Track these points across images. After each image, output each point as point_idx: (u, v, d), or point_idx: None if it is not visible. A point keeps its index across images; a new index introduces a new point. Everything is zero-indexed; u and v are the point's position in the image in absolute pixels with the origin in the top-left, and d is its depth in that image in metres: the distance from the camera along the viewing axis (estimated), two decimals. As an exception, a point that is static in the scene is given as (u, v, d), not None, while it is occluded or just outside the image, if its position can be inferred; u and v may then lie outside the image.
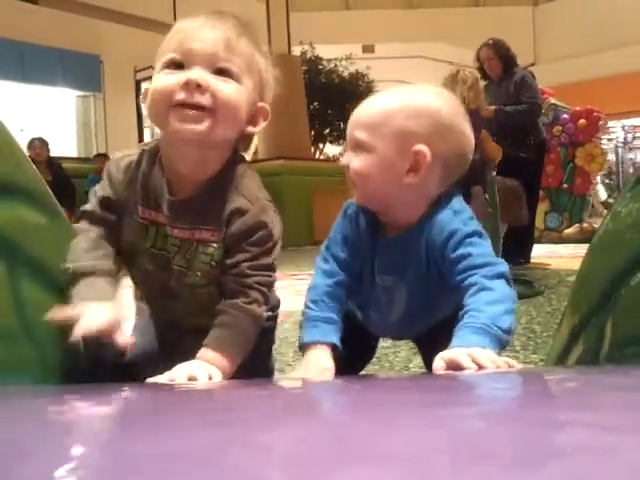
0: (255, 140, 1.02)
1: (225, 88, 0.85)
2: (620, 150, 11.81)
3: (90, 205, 0.94)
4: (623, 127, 11.93)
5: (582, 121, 6.61)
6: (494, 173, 3.61)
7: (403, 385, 0.72)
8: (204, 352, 0.85)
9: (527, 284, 3.27)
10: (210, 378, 0.81)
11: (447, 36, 11.83)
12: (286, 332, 2.13)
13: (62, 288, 0.86)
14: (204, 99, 0.84)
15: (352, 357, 1.01)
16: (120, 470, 0.34)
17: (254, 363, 0.92)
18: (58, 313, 0.80)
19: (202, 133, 0.84)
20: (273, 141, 7.76)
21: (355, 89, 10.70)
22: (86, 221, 0.93)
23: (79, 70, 9.75)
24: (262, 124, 0.94)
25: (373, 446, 0.38)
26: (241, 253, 0.90)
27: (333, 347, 0.92)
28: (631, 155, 12.06)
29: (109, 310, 0.82)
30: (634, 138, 12.11)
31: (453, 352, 0.74)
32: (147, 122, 9.23)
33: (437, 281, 0.92)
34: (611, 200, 9.29)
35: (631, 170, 11.08)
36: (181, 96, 0.84)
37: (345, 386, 0.77)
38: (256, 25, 0.98)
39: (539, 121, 4.36)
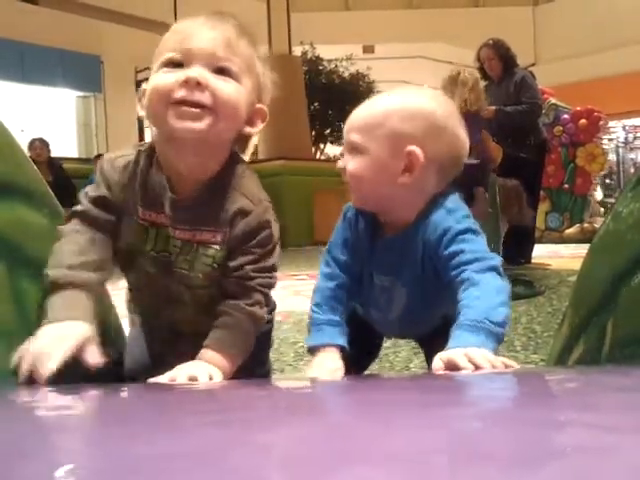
0: (255, 140, 1.01)
1: (225, 87, 0.85)
2: (621, 150, 11.81)
3: (82, 205, 0.89)
4: (624, 127, 11.94)
5: (583, 121, 6.61)
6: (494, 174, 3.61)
7: (403, 385, 0.72)
8: (205, 352, 0.85)
9: (528, 284, 3.27)
10: (210, 378, 0.81)
11: (447, 36, 11.84)
12: (286, 332, 2.13)
13: None
14: (204, 97, 0.83)
15: (358, 356, 1.04)
16: (120, 470, 0.34)
17: (252, 365, 0.92)
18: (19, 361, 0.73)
19: (202, 132, 0.83)
20: (273, 141, 7.76)
21: (355, 89, 10.71)
22: (77, 221, 0.88)
23: (79, 70, 9.76)
24: (260, 125, 0.93)
25: (373, 446, 0.38)
26: (244, 255, 0.89)
27: (341, 348, 0.94)
28: (632, 155, 12.07)
29: (81, 329, 0.77)
30: (635, 138, 12.12)
31: (450, 353, 0.74)
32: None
33: (433, 280, 0.93)
34: (608, 200, 9.30)
35: (632, 170, 11.08)
36: (180, 94, 0.82)
37: (345, 386, 0.77)
38: (254, 27, 0.97)
39: (539, 121, 4.36)
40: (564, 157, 6.74)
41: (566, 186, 6.75)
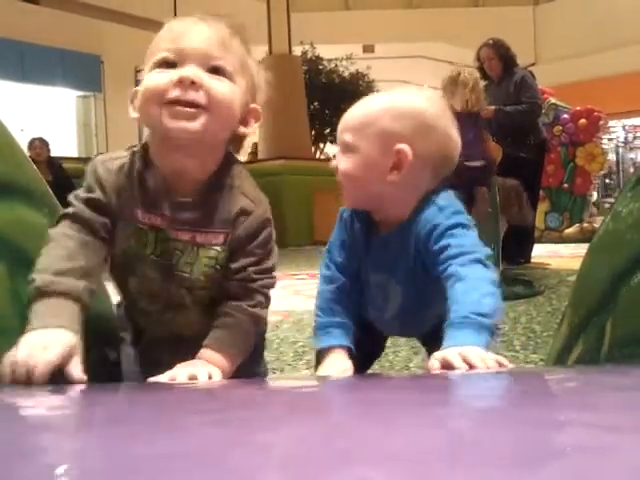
0: (255, 139, 1.00)
1: (219, 86, 0.84)
2: (621, 150, 11.82)
3: (73, 208, 0.86)
4: (623, 127, 11.95)
5: (582, 121, 6.61)
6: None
7: (403, 384, 0.72)
8: (204, 352, 0.85)
9: (527, 284, 3.28)
10: (210, 378, 0.81)
11: (447, 36, 11.84)
12: (286, 332, 2.13)
13: None
14: (198, 96, 0.82)
15: (364, 356, 1.06)
16: (120, 470, 0.34)
17: (248, 364, 0.92)
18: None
19: (197, 132, 0.82)
20: (273, 141, 7.75)
21: (355, 89, 10.69)
22: (68, 223, 0.84)
23: (79, 70, 9.77)
24: (254, 125, 0.93)
25: (373, 446, 0.38)
26: (246, 257, 0.89)
27: (348, 349, 0.96)
28: (632, 155, 12.08)
29: (65, 338, 0.73)
30: (634, 138, 12.13)
31: (445, 352, 0.74)
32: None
33: (423, 276, 0.94)
34: (605, 200, 9.28)
35: (631, 170, 11.09)
36: (174, 93, 0.81)
37: (345, 386, 0.77)
38: (254, 28, 0.97)
39: (539, 121, 4.36)
40: (564, 157, 6.74)
41: (566, 186, 6.75)
